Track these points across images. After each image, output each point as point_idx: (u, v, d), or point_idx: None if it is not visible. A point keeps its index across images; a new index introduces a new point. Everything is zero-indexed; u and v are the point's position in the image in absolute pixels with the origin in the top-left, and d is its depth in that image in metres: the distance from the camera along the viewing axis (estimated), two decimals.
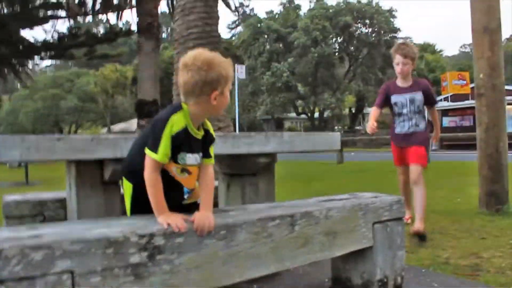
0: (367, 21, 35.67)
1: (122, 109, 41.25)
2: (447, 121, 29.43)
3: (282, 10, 39.35)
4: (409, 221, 4.21)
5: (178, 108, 1.82)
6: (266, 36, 35.96)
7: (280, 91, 34.28)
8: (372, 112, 4.17)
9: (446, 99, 30.50)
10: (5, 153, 2.07)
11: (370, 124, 3.95)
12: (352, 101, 40.31)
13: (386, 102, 4.13)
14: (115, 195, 2.47)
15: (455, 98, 28.11)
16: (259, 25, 36.72)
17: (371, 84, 35.09)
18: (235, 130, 8.86)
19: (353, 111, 42.23)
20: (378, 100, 4.19)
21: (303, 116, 41.31)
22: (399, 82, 4.09)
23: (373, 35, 35.67)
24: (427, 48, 39.82)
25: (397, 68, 4.00)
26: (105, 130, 40.52)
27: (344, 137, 33.16)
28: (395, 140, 4.22)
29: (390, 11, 36.49)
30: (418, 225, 3.74)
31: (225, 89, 1.83)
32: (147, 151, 1.77)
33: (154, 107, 12.95)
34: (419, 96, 4.03)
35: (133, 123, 36.12)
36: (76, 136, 2.25)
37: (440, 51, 41.60)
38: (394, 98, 4.07)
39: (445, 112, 29.77)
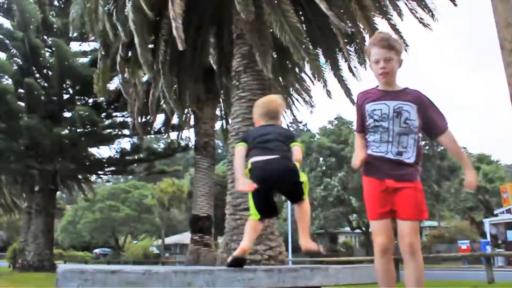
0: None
1: (177, 221, 42.04)
2: None
3: (332, 127, 40.37)
4: None
5: None
6: (318, 153, 36.67)
7: (333, 205, 34.07)
8: (356, 142, 2.97)
9: (508, 211, 29.08)
10: (65, 283, 2.24)
11: (355, 158, 2.84)
12: None
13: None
14: None
15: None
16: (311, 140, 37.75)
17: (426, 197, 34.30)
18: (287, 249, 8.82)
19: None
20: (356, 121, 2.97)
21: (357, 230, 40.37)
22: (381, 87, 2.83)
23: (426, 147, 35.62)
24: (483, 159, 39.03)
25: (377, 68, 2.76)
26: (159, 241, 41.05)
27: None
28: (373, 169, 2.75)
29: None
30: None
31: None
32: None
33: (208, 222, 13.22)
34: (408, 107, 2.70)
35: (186, 236, 36.49)
36: (129, 267, 2.39)
37: (497, 161, 40.55)
38: (369, 106, 2.78)
39: (510, 225, 28.20)
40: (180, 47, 7.64)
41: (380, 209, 2.65)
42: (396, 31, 10.29)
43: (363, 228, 38.02)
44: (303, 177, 2.89)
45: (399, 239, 2.64)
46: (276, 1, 8.15)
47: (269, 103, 3.16)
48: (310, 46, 9.09)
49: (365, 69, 10.90)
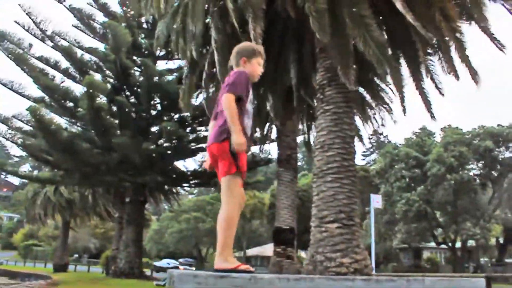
0: (511, 145, 33.72)
1: (258, 233, 42.52)
2: None
3: (415, 137, 39.14)
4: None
5: None
6: (403, 163, 35.48)
7: (414, 220, 32.86)
8: None
9: None
10: (181, 285, 2.51)
11: None
12: (499, 230, 36.74)
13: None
14: None
15: None
16: (395, 151, 36.68)
17: None
18: (370, 260, 8.76)
19: (501, 242, 38.30)
20: None
21: (443, 246, 38.47)
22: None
23: None
24: None
25: (259, 70, 3.63)
26: (240, 253, 41.72)
27: (492, 272, 29.75)
28: None
29: None
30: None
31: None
32: None
33: (291, 235, 13.32)
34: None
35: (267, 248, 36.81)
36: (236, 275, 2.61)
37: None
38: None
39: None
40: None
41: None
42: (490, 35, 9.82)
43: (450, 244, 36.24)
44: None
45: None
46: (359, 16, 8.17)
47: None
48: (393, 61, 8.98)
49: (457, 78, 10.28)
